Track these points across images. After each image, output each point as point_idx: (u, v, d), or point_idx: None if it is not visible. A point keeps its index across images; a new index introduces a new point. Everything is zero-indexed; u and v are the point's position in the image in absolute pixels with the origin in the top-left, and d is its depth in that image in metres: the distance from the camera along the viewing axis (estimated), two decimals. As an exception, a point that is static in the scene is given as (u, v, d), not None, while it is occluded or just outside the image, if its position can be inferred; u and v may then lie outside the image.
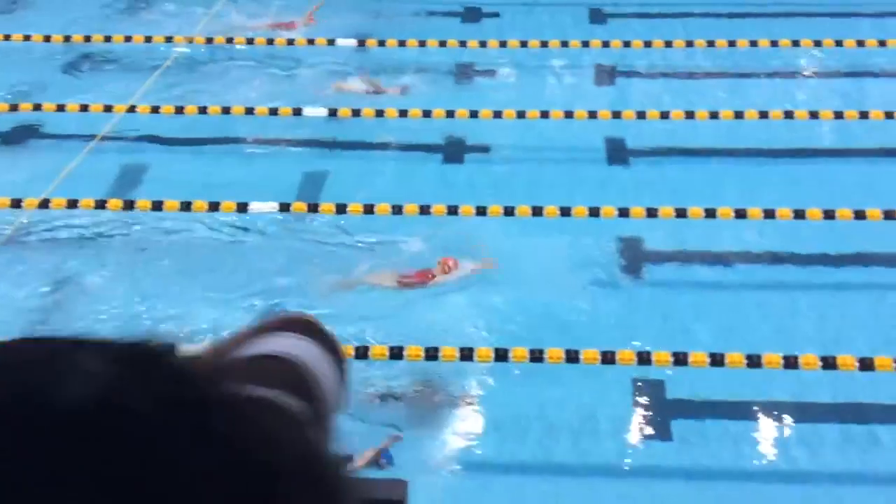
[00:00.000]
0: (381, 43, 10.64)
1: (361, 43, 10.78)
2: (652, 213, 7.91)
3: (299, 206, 8.31)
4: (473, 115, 9.28)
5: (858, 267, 7.87)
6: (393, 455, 6.28)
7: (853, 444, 6.37)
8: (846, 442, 6.40)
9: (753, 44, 10.15)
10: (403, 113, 9.37)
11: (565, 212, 7.97)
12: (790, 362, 6.47)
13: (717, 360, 6.48)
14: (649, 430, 6.58)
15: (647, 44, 10.25)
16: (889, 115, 8.96)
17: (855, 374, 6.45)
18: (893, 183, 8.61)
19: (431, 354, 6.66)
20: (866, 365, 6.42)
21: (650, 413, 6.69)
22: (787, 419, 6.64)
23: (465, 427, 6.62)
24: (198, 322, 7.38)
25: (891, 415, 6.62)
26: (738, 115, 9.04)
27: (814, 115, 9.03)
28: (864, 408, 6.64)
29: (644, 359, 6.58)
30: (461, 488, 6.21)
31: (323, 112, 9.62)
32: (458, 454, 6.40)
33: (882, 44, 10.14)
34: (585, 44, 10.36)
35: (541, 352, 6.59)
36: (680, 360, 6.54)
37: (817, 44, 10.21)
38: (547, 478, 6.23)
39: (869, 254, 7.94)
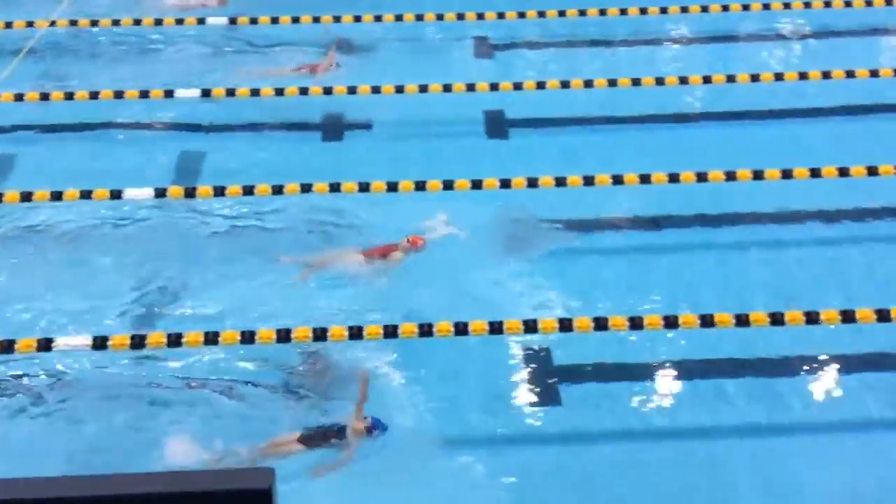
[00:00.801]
0: (254, 21, 10.43)
1: (233, 21, 10.54)
2: (533, 183, 8.01)
3: (176, 190, 8.11)
4: (352, 91, 9.20)
5: (733, 226, 8.12)
6: (384, 422, 6.26)
7: (733, 399, 6.59)
8: (726, 398, 6.62)
9: (623, 12, 10.32)
10: (280, 91, 9.21)
11: (448, 185, 7.99)
12: (671, 322, 6.66)
13: (600, 324, 6.63)
14: (538, 397, 6.68)
15: (521, 14, 10.31)
16: (755, 78, 9.25)
17: (733, 330, 6.68)
18: (761, 143, 8.91)
19: (319, 335, 6.61)
20: (742, 321, 6.66)
21: (539, 380, 6.79)
22: (670, 378, 6.83)
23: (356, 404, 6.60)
24: (74, 314, 7.17)
25: (769, 368, 6.88)
26: (612, 83, 9.20)
27: (683, 80, 9.25)
28: (742, 363, 6.89)
29: (531, 327, 6.69)
30: (354, 463, 6.22)
31: (196, 93, 9.39)
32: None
33: (746, 8, 10.44)
34: (461, 16, 10.36)
35: (430, 326, 6.62)
36: (565, 326, 6.67)
37: (684, 10, 10.45)
38: (442, 447, 6.26)
39: (744, 213, 8.21)
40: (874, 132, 9.02)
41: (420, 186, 7.98)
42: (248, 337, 6.59)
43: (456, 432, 6.37)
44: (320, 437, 6.23)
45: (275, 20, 10.33)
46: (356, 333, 6.64)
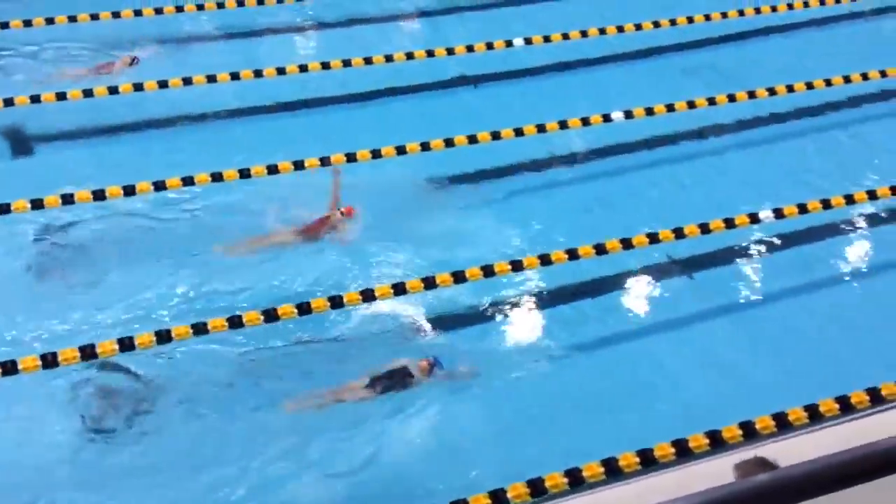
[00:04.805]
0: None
1: None
2: (68, 199, 7.63)
3: None
4: None
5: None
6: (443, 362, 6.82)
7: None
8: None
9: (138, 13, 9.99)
10: None
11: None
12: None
13: (163, 337, 6.63)
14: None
15: (28, 23, 9.62)
16: (281, 71, 9.43)
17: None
18: (297, 134, 9.13)
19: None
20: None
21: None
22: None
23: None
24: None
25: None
26: (138, 87, 8.94)
27: (211, 78, 9.17)
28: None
29: (88, 353, 6.50)
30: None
31: None
32: None
33: (261, 3, 10.57)
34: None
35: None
36: (126, 345, 6.60)
37: (200, 8, 10.35)
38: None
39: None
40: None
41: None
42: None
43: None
44: (386, 380, 6.68)
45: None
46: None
